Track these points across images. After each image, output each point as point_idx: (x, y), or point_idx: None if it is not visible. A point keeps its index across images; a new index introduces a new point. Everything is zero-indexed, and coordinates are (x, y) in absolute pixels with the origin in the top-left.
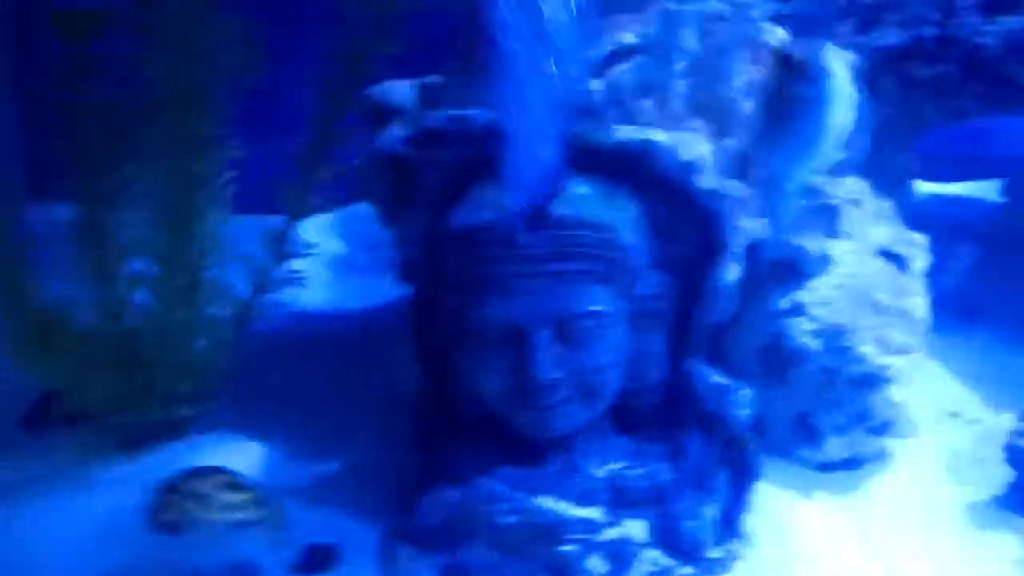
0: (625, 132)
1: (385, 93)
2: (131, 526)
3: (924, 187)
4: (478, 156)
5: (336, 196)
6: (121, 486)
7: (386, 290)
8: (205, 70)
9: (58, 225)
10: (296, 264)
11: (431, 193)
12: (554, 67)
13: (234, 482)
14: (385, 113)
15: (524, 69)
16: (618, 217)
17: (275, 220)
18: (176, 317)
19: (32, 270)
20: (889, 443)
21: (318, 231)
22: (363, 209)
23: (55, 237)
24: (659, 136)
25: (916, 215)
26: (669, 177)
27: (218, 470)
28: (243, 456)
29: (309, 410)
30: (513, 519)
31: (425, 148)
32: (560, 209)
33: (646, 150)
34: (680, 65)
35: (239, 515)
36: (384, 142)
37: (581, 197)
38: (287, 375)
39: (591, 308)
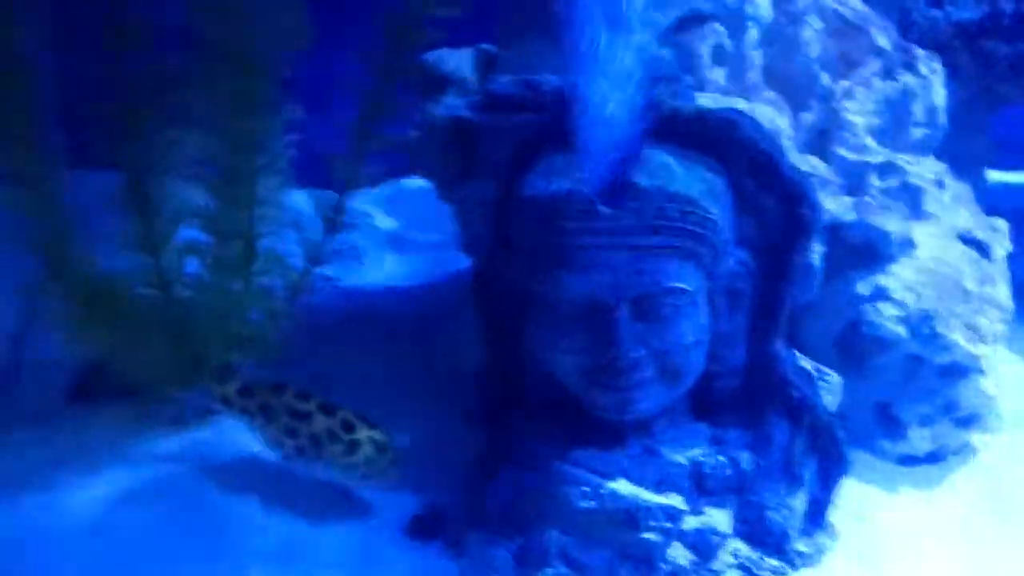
0: (708, 100)
1: (440, 61)
2: (180, 499)
3: (993, 175)
4: (549, 123)
5: (389, 169)
6: (169, 460)
7: (438, 266)
8: (260, 34)
9: (106, 194)
10: (349, 237)
11: (500, 161)
12: (626, 30)
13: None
14: (440, 81)
15: (596, 32)
16: (703, 190)
17: (328, 192)
18: (229, 287)
19: (82, 240)
20: (975, 436)
21: (369, 205)
22: (413, 184)
23: (104, 206)
24: (744, 105)
25: (987, 203)
26: (757, 149)
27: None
28: None
29: (362, 386)
30: (590, 504)
31: (494, 114)
32: (642, 180)
33: (733, 119)
34: (754, 33)
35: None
36: (449, 108)
37: (663, 167)
38: (340, 350)
39: (676, 285)
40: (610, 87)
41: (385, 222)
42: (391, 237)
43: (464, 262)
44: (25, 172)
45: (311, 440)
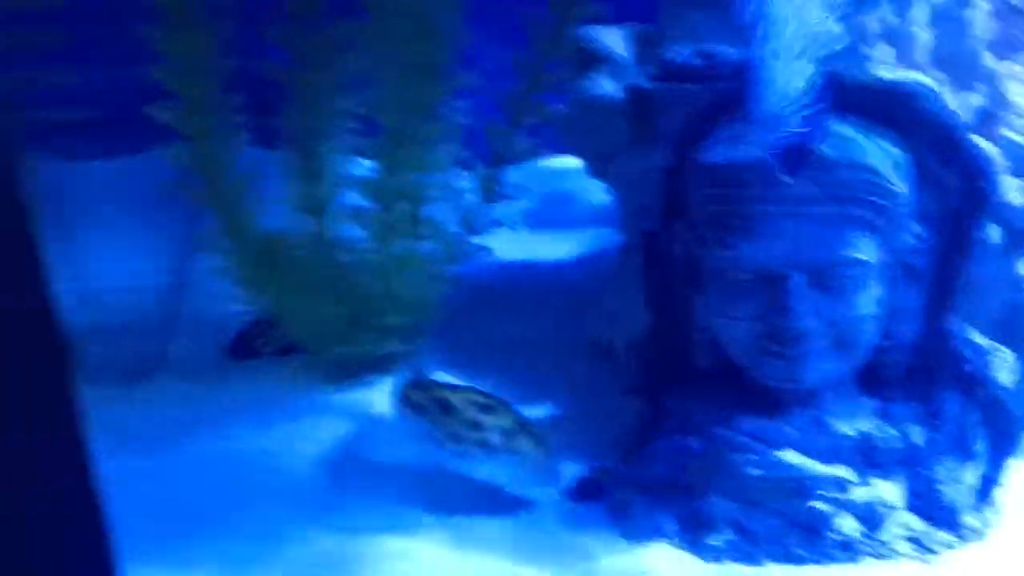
0: (891, 72)
1: (593, 38)
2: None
3: None
4: (728, 92)
5: (542, 144)
6: (330, 415)
7: (580, 243)
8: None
9: (277, 165)
10: (503, 208)
11: (677, 129)
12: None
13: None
14: (593, 59)
15: (774, 5)
16: (885, 161)
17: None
18: (391, 252)
19: (253, 206)
20: None
21: (520, 179)
22: (549, 164)
23: (275, 175)
24: (927, 79)
25: None
26: (940, 122)
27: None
28: None
29: (515, 353)
30: (758, 472)
31: (671, 83)
32: (825, 149)
33: (918, 92)
34: (922, 13)
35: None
36: (599, 85)
37: (845, 138)
38: (492, 318)
39: (854, 255)
40: (790, 59)
41: (528, 197)
42: (531, 214)
43: (606, 239)
44: (206, 134)
45: (481, 442)
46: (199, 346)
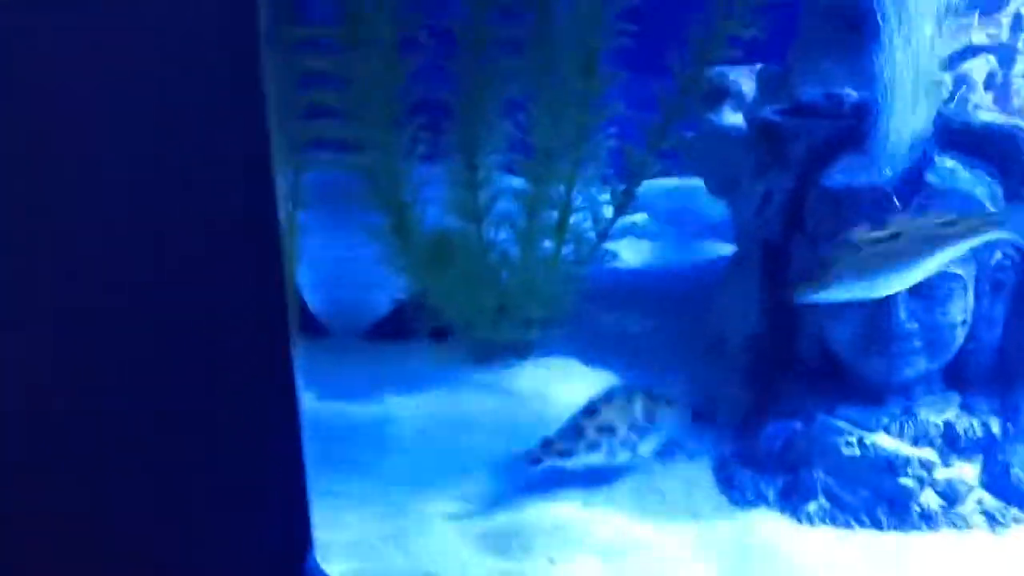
0: (991, 116)
1: (721, 76)
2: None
3: None
4: (849, 128)
5: (672, 165)
6: (480, 389)
7: (694, 253)
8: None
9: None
10: (631, 219)
11: (803, 157)
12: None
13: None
14: (720, 95)
15: (894, 55)
16: (982, 191)
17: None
18: (536, 253)
19: (420, 210)
20: None
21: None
22: (664, 184)
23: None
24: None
25: None
26: None
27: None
28: (582, 382)
29: (639, 348)
30: (854, 452)
31: (798, 118)
32: (930, 179)
33: (1015, 134)
34: (1021, 65)
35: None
36: (760, 113)
37: (949, 170)
38: (619, 316)
39: (951, 270)
40: (906, 102)
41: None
42: (645, 228)
43: (715, 250)
44: (390, 147)
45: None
46: (344, 329)
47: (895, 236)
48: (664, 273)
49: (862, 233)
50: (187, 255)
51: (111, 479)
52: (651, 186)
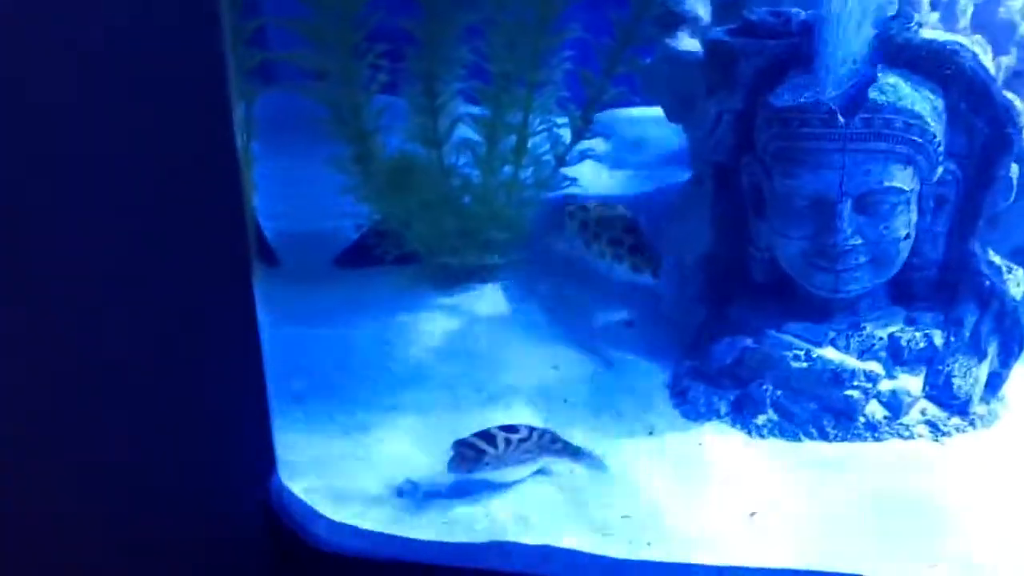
0: (932, 33)
1: (678, 2)
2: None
3: None
4: (797, 48)
5: (629, 92)
6: (441, 312)
7: (652, 181)
8: None
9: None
10: (588, 144)
11: (751, 77)
12: None
13: None
14: (675, 19)
15: None
16: (925, 107)
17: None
18: (495, 177)
19: (382, 137)
20: None
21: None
22: (623, 113)
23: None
24: (965, 40)
25: None
26: (975, 76)
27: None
28: (537, 304)
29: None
30: (801, 365)
31: (749, 38)
32: (875, 95)
33: (956, 50)
34: None
35: None
36: (711, 33)
37: (893, 86)
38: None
39: (894, 185)
40: (850, 20)
41: (602, 144)
42: (607, 155)
43: (671, 178)
44: (350, 75)
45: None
46: (308, 258)
47: None
48: (624, 198)
49: None
50: (145, 186)
51: (79, 407)
52: (614, 116)
